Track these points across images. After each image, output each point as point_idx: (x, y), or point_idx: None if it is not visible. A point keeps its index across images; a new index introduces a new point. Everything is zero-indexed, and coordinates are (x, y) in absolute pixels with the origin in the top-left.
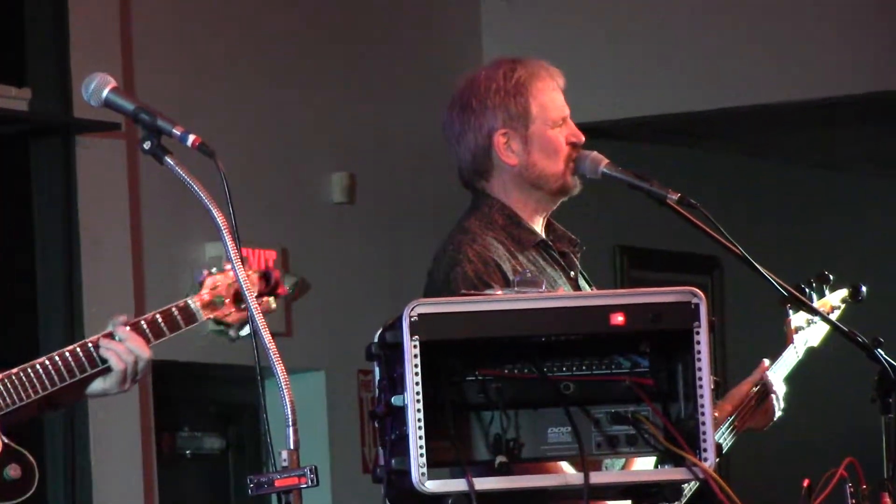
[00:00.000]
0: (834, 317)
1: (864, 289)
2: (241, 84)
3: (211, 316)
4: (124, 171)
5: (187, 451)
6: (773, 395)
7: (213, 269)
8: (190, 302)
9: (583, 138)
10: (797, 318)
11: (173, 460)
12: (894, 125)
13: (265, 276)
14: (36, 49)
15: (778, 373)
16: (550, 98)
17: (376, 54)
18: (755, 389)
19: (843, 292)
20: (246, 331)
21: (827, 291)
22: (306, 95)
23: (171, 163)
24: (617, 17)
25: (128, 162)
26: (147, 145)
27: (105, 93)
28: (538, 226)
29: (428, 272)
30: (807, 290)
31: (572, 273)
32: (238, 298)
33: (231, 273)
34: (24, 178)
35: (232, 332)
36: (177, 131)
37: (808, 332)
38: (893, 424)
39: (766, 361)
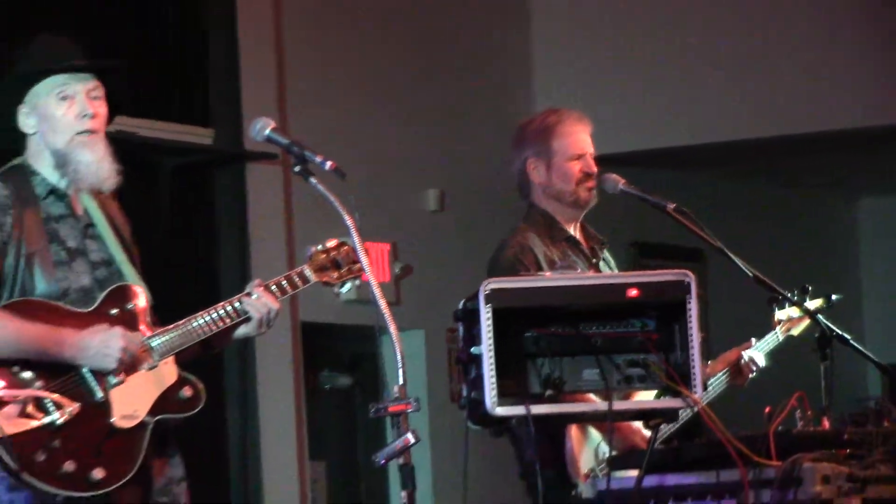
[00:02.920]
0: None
1: (833, 297)
2: (366, 121)
3: (320, 279)
4: (281, 190)
5: (326, 386)
6: (746, 364)
7: (319, 246)
8: (304, 269)
9: (594, 169)
10: (780, 313)
11: (316, 393)
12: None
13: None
14: (216, 98)
15: (761, 349)
16: (573, 140)
17: (463, 100)
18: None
19: (819, 301)
20: (346, 288)
21: (808, 299)
22: (412, 130)
23: (314, 181)
24: (649, 65)
25: (284, 182)
26: (297, 169)
27: (267, 132)
28: (572, 228)
29: (490, 258)
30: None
31: (594, 261)
32: (336, 265)
33: (332, 246)
34: (209, 196)
35: (335, 289)
36: (318, 159)
37: (789, 324)
38: (829, 369)
39: (753, 340)
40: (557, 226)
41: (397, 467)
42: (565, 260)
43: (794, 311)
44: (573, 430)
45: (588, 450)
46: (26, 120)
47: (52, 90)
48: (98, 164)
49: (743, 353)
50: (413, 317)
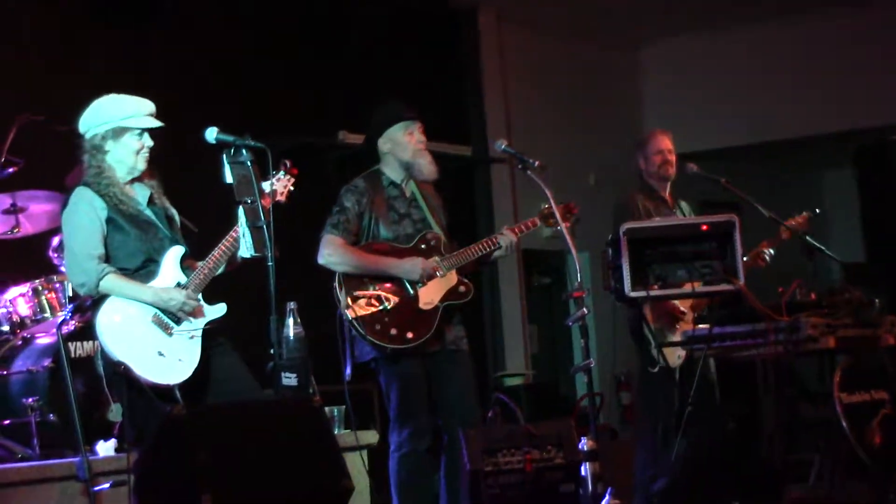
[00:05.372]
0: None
1: (817, 210)
2: (556, 134)
3: (544, 224)
4: (509, 180)
5: (536, 283)
6: (763, 255)
7: (543, 206)
8: (537, 219)
9: (668, 158)
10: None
11: (531, 288)
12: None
13: (570, 209)
14: (473, 126)
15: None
16: (656, 144)
17: (606, 120)
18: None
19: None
20: (547, 232)
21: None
22: (581, 140)
23: (529, 173)
24: (709, 92)
25: (510, 177)
26: (520, 167)
27: (503, 146)
28: (664, 191)
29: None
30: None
31: (674, 210)
32: (545, 218)
33: (546, 207)
34: (470, 186)
35: (546, 231)
36: (531, 160)
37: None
38: (813, 266)
39: (765, 242)
40: (654, 189)
41: (577, 328)
42: (658, 210)
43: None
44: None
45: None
46: (384, 144)
47: (403, 129)
48: (429, 165)
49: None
50: (583, 244)
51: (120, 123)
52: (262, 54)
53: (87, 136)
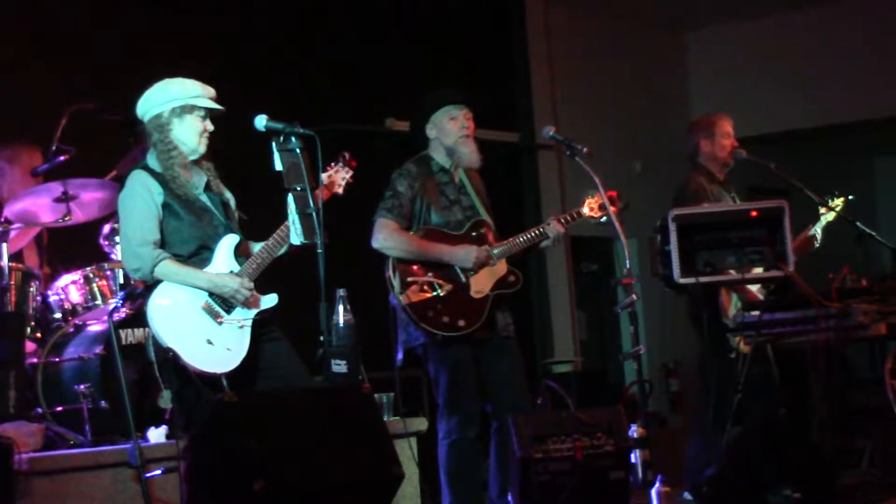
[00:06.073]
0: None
1: (850, 197)
2: (600, 122)
3: (589, 214)
4: (557, 166)
5: (584, 271)
6: (814, 237)
7: (588, 197)
8: (583, 209)
9: (735, 145)
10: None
11: (578, 276)
12: None
13: (613, 201)
14: (520, 114)
15: (817, 230)
16: (724, 129)
17: (654, 110)
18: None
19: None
20: (602, 219)
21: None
22: (625, 127)
23: (577, 159)
24: (753, 82)
25: (558, 161)
26: (568, 153)
27: (550, 133)
28: (722, 175)
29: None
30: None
31: (732, 195)
32: (594, 210)
33: (596, 196)
34: (517, 172)
35: (594, 220)
36: (579, 146)
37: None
38: (863, 252)
39: (811, 225)
40: (713, 174)
41: (627, 314)
42: (721, 195)
43: (828, 215)
44: (723, 291)
45: (731, 300)
46: (430, 130)
47: (446, 114)
48: (471, 154)
49: (809, 232)
50: (631, 231)
51: (187, 101)
52: (309, 41)
53: (150, 115)
